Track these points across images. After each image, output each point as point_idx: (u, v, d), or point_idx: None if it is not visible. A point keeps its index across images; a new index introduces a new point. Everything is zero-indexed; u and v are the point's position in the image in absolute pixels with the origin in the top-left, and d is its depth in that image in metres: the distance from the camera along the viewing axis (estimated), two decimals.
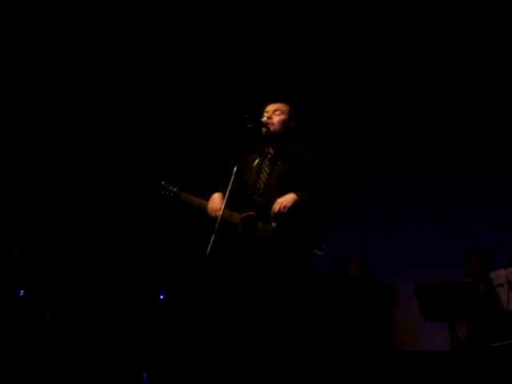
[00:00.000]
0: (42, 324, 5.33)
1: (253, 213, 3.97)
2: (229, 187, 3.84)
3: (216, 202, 4.04)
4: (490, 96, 6.63)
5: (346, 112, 7.06)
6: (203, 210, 4.13)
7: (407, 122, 6.89)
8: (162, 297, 6.04)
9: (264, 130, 4.08)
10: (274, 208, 3.87)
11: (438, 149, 6.76)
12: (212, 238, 3.67)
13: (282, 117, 4.11)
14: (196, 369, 5.54)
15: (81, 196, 6.68)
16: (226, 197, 3.84)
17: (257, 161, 4.18)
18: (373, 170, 6.96)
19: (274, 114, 4.11)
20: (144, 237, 6.60)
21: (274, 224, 3.89)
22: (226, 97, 6.85)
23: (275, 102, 4.18)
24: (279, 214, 3.85)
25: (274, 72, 6.90)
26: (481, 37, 6.56)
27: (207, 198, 4.15)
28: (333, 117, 7.00)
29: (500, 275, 5.22)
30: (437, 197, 6.67)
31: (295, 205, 3.87)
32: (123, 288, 6.03)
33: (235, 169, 3.89)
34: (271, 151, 4.16)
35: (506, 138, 6.54)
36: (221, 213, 3.81)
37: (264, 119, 4.09)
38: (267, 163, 4.14)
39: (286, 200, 3.87)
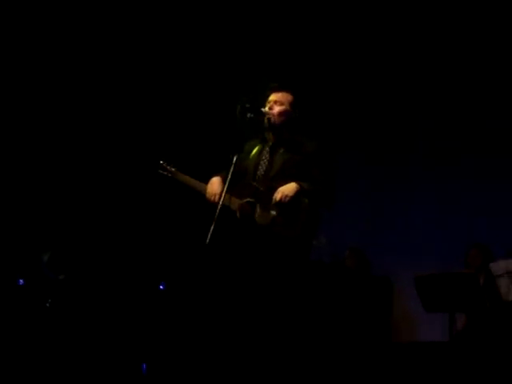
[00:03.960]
0: (42, 313, 5.34)
1: (252, 199, 3.95)
2: (228, 177, 3.80)
3: (215, 185, 4.01)
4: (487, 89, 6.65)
5: (344, 104, 7.07)
6: (200, 193, 4.10)
7: (409, 112, 6.89)
8: (161, 287, 6.05)
9: (266, 120, 4.05)
10: (275, 196, 3.84)
11: (439, 138, 6.77)
12: (212, 227, 3.66)
13: (283, 107, 4.07)
14: (195, 360, 5.55)
15: (77, 182, 6.65)
16: (226, 186, 3.81)
17: (257, 148, 4.15)
18: (372, 160, 6.97)
19: (276, 104, 4.07)
20: (143, 227, 6.60)
21: (273, 212, 3.87)
22: (229, 84, 6.83)
23: (278, 91, 4.13)
24: (280, 202, 3.83)
25: (279, 59, 6.89)
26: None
27: (205, 182, 4.12)
28: (333, 109, 7.00)
29: (500, 266, 5.23)
30: (437, 188, 6.69)
31: (297, 194, 3.84)
32: (123, 278, 6.03)
33: (235, 158, 3.85)
34: (272, 139, 4.13)
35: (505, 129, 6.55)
36: (221, 201, 3.79)
37: (265, 109, 4.05)
38: (268, 151, 4.10)
39: (288, 189, 3.84)
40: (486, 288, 5.25)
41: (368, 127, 7.04)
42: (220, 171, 4.05)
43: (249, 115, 3.96)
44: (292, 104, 4.11)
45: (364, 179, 6.94)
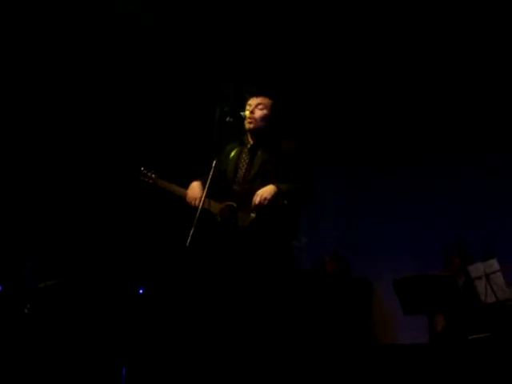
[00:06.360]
0: (20, 319, 5.29)
1: (232, 203, 3.98)
2: (208, 181, 3.83)
3: (195, 190, 4.03)
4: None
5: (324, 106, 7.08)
6: (181, 198, 4.11)
7: (386, 114, 6.93)
8: (141, 291, 6.02)
9: (246, 125, 4.08)
10: (254, 200, 3.87)
11: (417, 143, 6.81)
12: (192, 230, 3.67)
13: (264, 112, 4.10)
14: (175, 363, 5.53)
15: (59, 189, 6.61)
16: (206, 189, 3.83)
17: (235, 151, 4.18)
18: (350, 165, 7.00)
19: (257, 108, 4.10)
20: (123, 230, 6.58)
21: (253, 214, 3.91)
22: (208, 88, 6.82)
23: (258, 95, 4.14)
24: (260, 205, 3.86)
25: (257, 64, 6.87)
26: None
27: (186, 187, 4.14)
28: (312, 111, 7.00)
29: (478, 269, 5.29)
30: (415, 190, 6.73)
31: (275, 196, 3.87)
32: (102, 282, 5.99)
33: (214, 162, 3.87)
34: (251, 141, 4.16)
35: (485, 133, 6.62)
36: (201, 204, 3.81)
37: (246, 113, 4.08)
38: (246, 153, 4.13)
39: (267, 191, 3.87)
40: (465, 290, 5.30)
41: (345, 131, 7.06)
42: (200, 176, 4.06)
43: (228, 119, 4.00)
44: (272, 108, 4.13)
45: (342, 182, 6.96)
